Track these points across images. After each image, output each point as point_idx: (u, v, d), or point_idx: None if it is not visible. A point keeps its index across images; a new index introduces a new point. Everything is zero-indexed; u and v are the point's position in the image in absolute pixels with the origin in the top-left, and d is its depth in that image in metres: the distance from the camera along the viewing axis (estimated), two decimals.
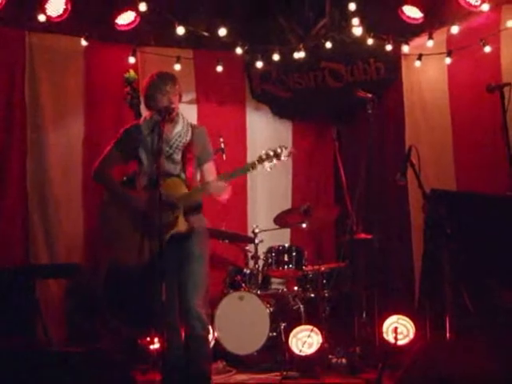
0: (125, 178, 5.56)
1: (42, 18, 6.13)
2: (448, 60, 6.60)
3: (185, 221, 4.45)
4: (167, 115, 4.42)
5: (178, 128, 4.59)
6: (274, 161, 4.32)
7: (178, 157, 4.57)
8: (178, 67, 6.83)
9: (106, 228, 4.66)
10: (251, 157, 7.35)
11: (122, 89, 5.90)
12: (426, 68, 6.84)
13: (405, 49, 6.83)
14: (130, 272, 4.92)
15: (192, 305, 4.38)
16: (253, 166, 4.37)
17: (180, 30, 6.37)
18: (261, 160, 4.34)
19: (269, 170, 4.36)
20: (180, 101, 4.61)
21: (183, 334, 4.45)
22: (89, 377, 3.43)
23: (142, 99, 5.78)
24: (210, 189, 4.42)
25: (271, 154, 4.32)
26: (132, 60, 6.67)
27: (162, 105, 4.46)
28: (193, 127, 4.68)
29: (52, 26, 6.30)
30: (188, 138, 4.60)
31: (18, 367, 3.47)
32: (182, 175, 4.55)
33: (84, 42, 6.52)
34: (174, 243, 4.44)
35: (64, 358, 3.51)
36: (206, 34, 6.77)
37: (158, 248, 4.12)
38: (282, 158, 4.33)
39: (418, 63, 6.80)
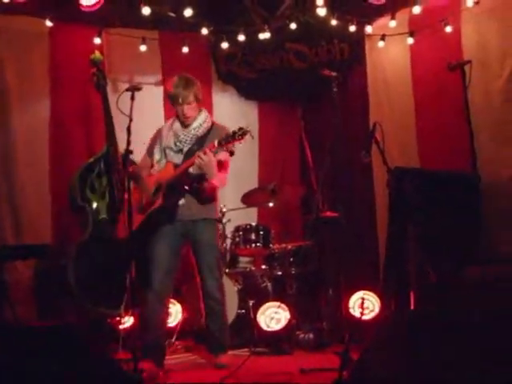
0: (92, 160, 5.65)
1: None
2: (410, 40, 6.68)
3: (162, 199, 4.84)
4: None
5: (195, 124, 4.99)
6: (230, 140, 4.55)
7: (186, 150, 4.98)
8: (143, 48, 6.84)
9: None
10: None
11: (88, 70, 5.87)
12: (389, 48, 6.92)
13: (368, 29, 6.88)
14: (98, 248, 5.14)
15: (207, 288, 5.00)
16: (214, 146, 4.65)
17: (145, 11, 6.34)
18: (220, 141, 4.60)
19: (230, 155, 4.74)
20: (200, 101, 5.03)
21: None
22: (59, 351, 3.46)
23: (108, 81, 5.89)
24: (196, 161, 4.67)
25: (230, 134, 4.56)
26: (98, 41, 6.64)
27: (178, 112, 4.99)
28: (213, 125, 5.08)
29: (16, 7, 6.21)
30: (199, 133, 4.99)
31: None
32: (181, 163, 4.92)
33: (49, 23, 6.46)
34: (180, 228, 4.97)
35: (32, 333, 3.54)
36: (171, 14, 6.76)
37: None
38: (236, 137, 4.52)
39: (381, 43, 6.87)
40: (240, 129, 4.52)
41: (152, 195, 4.93)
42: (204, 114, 5.05)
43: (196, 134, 4.96)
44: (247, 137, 4.53)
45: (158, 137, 5.17)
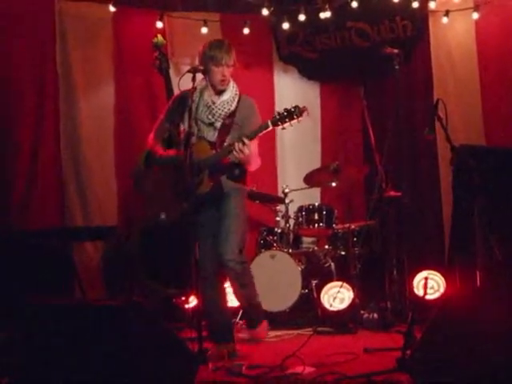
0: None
1: None
2: (475, 15, 6.55)
3: (209, 182, 4.54)
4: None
5: (225, 97, 4.70)
6: (287, 120, 4.30)
7: (218, 124, 4.69)
8: (205, 31, 6.89)
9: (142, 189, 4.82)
10: None
11: (151, 54, 5.95)
12: (454, 24, 6.82)
13: (431, 5, 6.78)
14: (163, 232, 5.09)
15: (224, 257, 4.62)
16: (266, 126, 4.37)
17: None
18: (275, 120, 4.33)
19: (281, 129, 4.37)
20: (234, 66, 4.70)
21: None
22: (125, 329, 3.54)
23: (171, 63, 5.93)
24: (234, 148, 4.41)
25: (285, 113, 4.30)
26: (160, 25, 6.73)
27: (214, 77, 4.64)
28: (240, 98, 4.76)
29: None
30: (232, 108, 4.70)
31: (57, 322, 3.61)
32: (217, 140, 4.66)
33: (112, 8, 6.59)
34: (210, 203, 4.65)
35: (100, 311, 3.62)
36: None
37: (188, 208, 4.30)
38: (295, 116, 4.28)
39: (445, 19, 6.77)
40: (296, 107, 4.28)
41: (194, 177, 4.46)
42: (234, 86, 4.76)
43: (229, 108, 4.68)
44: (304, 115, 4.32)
45: (184, 102, 4.72)
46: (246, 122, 4.70)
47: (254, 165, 4.68)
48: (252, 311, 5.05)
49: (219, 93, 4.69)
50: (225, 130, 4.69)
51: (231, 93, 4.72)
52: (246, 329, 5.25)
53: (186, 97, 4.71)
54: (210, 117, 4.67)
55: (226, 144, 4.62)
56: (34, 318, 3.66)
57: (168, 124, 4.83)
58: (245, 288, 4.88)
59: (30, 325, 3.66)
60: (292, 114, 4.29)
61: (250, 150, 4.41)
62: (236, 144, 4.39)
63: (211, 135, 4.68)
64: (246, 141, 4.36)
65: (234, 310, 5.57)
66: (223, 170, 4.67)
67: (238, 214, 4.73)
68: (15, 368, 3.60)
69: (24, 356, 3.60)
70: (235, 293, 4.95)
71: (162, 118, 4.88)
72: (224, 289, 4.96)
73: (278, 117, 4.32)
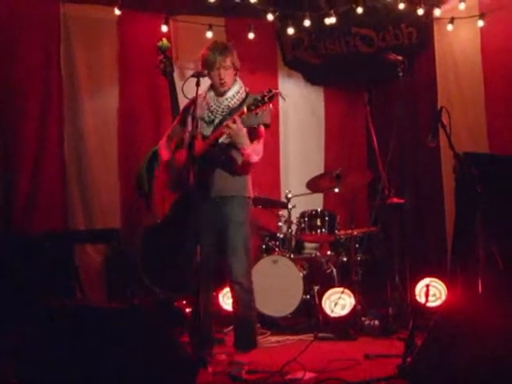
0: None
1: None
2: (480, 23, 6.55)
3: (193, 174, 4.33)
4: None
5: (229, 94, 4.63)
6: (259, 104, 4.20)
7: (217, 120, 4.62)
8: (210, 35, 6.89)
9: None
10: (283, 124, 7.42)
11: (156, 57, 5.96)
12: (459, 31, 6.81)
13: (437, 12, 6.79)
14: (165, 234, 5.07)
15: (231, 271, 4.54)
16: (242, 113, 4.29)
17: None
18: (250, 106, 4.26)
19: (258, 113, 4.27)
20: (237, 70, 4.65)
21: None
22: (127, 332, 3.54)
23: (175, 67, 5.93)
24: (225, 130, 4.35)
25: (259, 98, 4.23)
26: (165, 28, 6.73)
27: (213, 78, 4.58)
28: (248, 96, 4.65)
29: None
30: (232, 104, 4.61)
31: (58, 324, 3.61)
32: (210, 135, 4.56)
33: (117, 12, 6.60)
34: (212, 206, 4.57)
35: (103, 314, 3.63)
36: (237, 0, 6.80)
37: (191, 210, 4.28)
38: (266, 100, 4.19)
39: (450, 27, 6.77)
40: (269, 91, 4.20)
41: (183, 170, 4.46)
42: (238, 85, 4.69)
43: (228, 105, 4.62)
44: (278, 100, 4.25)
45: (191, 105, 4.67)
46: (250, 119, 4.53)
47: (253, 150, 4.50)
48: (245, 328, 4.69)
49: (222, 94, 4.65)
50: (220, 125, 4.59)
51: (235, 91, 4.65)
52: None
53: (193, 102, 4.62)
54: (209, 114, 4.63)
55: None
56: (37, 321, 3.67)
57: (179, 130, 4.81)
58: (249, 295, 4.69)
59: (33, 327, 3.67)
60: (264, 98, 4.21)
61: (241, 129, 4.32)
62: (226, 122, 4.36)
63: (208, 131, 4.61)
64: (235, 117, 4.30)
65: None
66: (216, 154, 4.56)
67: (242, 224, 4.63)
68: (21, 369, 3.61)
69: (28, 358, 3.61)
70: (236, 302, 4.67)
71: (174, 124, 4.90)
72: (213, 295, 4.91)
73: (251, 101, 4.28)
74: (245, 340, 4.61)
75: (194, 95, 4.45)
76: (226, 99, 4.63)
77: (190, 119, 4.60)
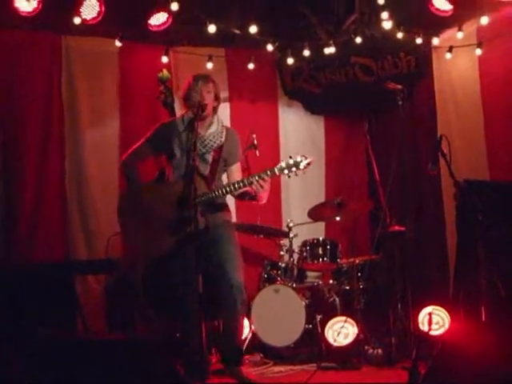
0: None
1: (77, 20, 6.17)
2: (478, 51, 6.59)
3: (201, 218, 4.54)
4: (200, 111, 4.57)
5: (213, 129, 4.80)
6: (294, 169, 4.44)
7: (209, 157, 4.78)
8: (210, 66, 6.93)
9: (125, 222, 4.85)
10: (284, 153, 7.43)
11: (156, 88, 5.99)
12: (457, 60, 6.84)
13: (435, 41, 6.85)
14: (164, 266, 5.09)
15: (235, 280, 4.64)
16: (272, 172, 4.49)
17: (211, 29, 6.46)
18: (281, 169, 4.47)
19: (287, 177, 4.53)
20: (218, 101, 4.83)
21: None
22: (129, 364, 3.52)
23: (175, 98, 5.96)
24: (254, 181, 4.51)
25: (291, 163, 4.44)
26: (165, 59, 6.78)
27: (195, 101, 4.66)
28: (227, 130, 4.88)
29: (87, 28, 6.41)
30: (222, 140, 4.80)
31: (59, 356, 3.59)
32: (208, 175, 4.74)
33: (118, 43, 6.65)
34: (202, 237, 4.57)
35: (104, 345, 3.61)
36: (237, 31, 6.85)
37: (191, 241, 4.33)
38: (301, 167, 4.43)
39: (448, 55, 6.81)
40: (304, 157, 4.44)
41: (182, 211, 4.55)
42: (217, 119, 4.86)
43: (221, 141, 4.79)
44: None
45: (171, 132, 4.81)
46: (231, 155, 4.86)
47: (266, 197, 4.76)
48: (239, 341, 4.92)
49: (206, 125, 4.78)
50: (214, 163, 4.78)
51: (218, 125, 4.82)
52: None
53: (171, 127, 4.83)
54: (201, 148, 4.72)
55: (222, 181, 4.84)
56: (37, 352, 3.65)
57: (149, 150, 4.94)
58: (238, 321, 4.81)
59: (33, 358, 3.66)
60: (299, 164, 4.43)
61: (269, 186, 4.55)
62: (255, 180, 4.50)
63: (203, 169, 4.74)
64: (266, 178, 4.49)
65: None
66: (221, 205, 4.79)
67: (233, 241, 4.84)
68: None
69: None
70: (229, 310, 4.77)
71: (143, 141, 4.94)
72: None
73: (283, 165, 4.46)
74: (239, 352, 4.84)
75: (171, 120, 4.58)
76: (217, 135, 4.80)
77: (176, 147, 4.75)
